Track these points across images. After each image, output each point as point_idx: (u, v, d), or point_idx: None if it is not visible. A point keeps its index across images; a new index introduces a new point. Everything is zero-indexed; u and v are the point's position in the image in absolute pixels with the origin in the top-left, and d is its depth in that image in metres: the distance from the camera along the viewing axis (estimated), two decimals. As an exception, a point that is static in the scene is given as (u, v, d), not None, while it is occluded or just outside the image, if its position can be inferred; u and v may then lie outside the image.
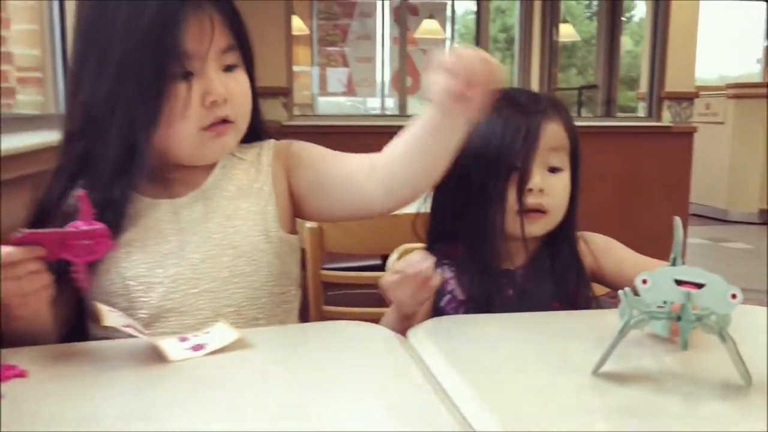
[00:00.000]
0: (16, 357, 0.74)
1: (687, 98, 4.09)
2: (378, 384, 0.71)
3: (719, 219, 6.29)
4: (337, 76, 6.17)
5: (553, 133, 0.98)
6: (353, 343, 0.83)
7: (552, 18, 5.94)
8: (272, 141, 1.01)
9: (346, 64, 6.12)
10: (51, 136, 1.51)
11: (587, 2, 10.53)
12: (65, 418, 0.62)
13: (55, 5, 2.14)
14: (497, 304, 0.96)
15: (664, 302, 0.69)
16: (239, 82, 0.91)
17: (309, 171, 0.97)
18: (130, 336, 0.78)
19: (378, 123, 3.77)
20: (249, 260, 0.91)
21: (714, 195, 6.31)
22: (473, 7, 4.64)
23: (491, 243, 0.98)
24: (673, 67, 4.05)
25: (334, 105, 7.05)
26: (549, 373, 0.72)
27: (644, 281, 0.69)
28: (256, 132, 0.99)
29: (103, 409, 0.64)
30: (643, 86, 4.23)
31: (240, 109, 0.91)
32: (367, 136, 3.59)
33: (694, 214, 5.60)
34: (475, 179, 0.97)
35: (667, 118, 4.07)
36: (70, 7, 2.21)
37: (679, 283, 0.68)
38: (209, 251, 0.90)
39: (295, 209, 0.99)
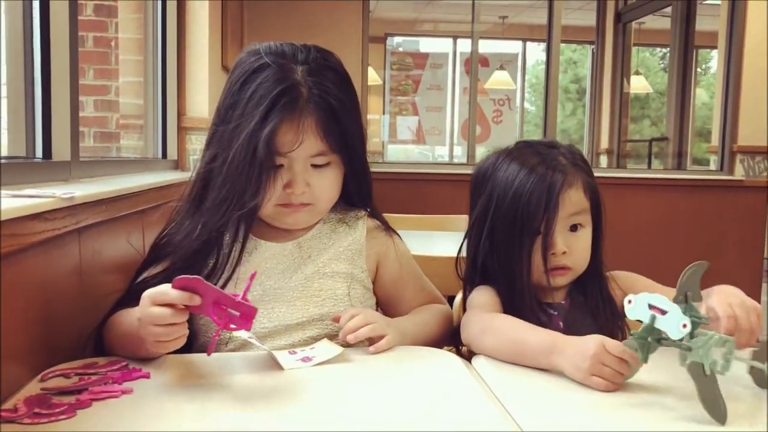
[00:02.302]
0: (140, 363, 0.88)
1: (762, 152, 4.02)
2: (446, 400, 0.81)
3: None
4: (406, 124, 6.36)
5: (571, 200, 1.04)
6: (426, 365, 0.95)
7: (623, 70, 5.98)
8: (365, 215, 1.17)
9: (416, 113, 6.32)
10: (152, 178, 1.68)
11: (661, 54, 10.46)
12: (184, 409, 0.75)
13: (159, 60, 2.37)
14: None
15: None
16: (324, 178, 1.07)
17: (385, 280, 1.17)
18: (254, 344, 0.92)
19: (447, 171, 3.88)
20: (329, 308, 1.06)
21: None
22: (544, 57, 4.75)
23: (522, 290, 1.06)
24: (746, 120, 3.99)
25: (401, 152, 7.24)
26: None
27: (629, 302, 0.81)
28: (360, 200, 1.17)
29: (217, 403, 0.76)
30: (715, 139, 4.20)
31: (319, 197, 1.08)
32: (436, 184, 3.72)
33: (770, 271, 5.43)
34: (503, 236, 1.06)
35: (740, 172, 4.02)
36: (171, 61, 2.44)
37: (650, 307, 0.79)
38: (299, 296, 1.06)
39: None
